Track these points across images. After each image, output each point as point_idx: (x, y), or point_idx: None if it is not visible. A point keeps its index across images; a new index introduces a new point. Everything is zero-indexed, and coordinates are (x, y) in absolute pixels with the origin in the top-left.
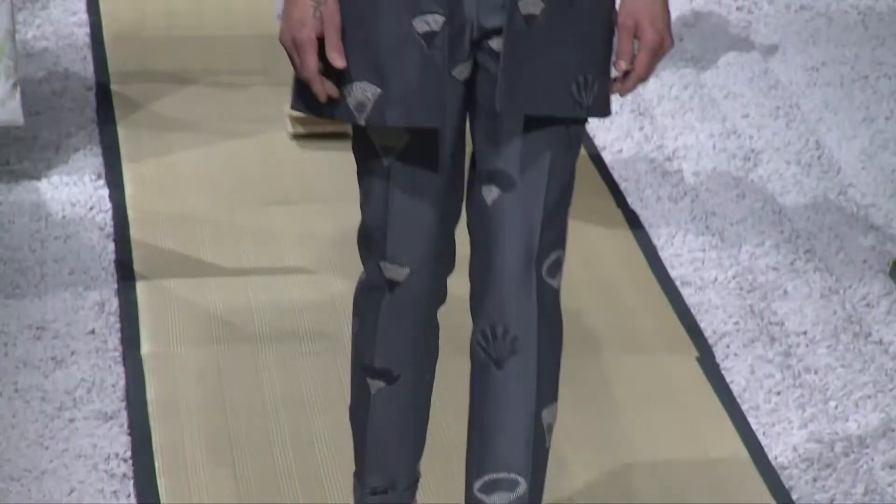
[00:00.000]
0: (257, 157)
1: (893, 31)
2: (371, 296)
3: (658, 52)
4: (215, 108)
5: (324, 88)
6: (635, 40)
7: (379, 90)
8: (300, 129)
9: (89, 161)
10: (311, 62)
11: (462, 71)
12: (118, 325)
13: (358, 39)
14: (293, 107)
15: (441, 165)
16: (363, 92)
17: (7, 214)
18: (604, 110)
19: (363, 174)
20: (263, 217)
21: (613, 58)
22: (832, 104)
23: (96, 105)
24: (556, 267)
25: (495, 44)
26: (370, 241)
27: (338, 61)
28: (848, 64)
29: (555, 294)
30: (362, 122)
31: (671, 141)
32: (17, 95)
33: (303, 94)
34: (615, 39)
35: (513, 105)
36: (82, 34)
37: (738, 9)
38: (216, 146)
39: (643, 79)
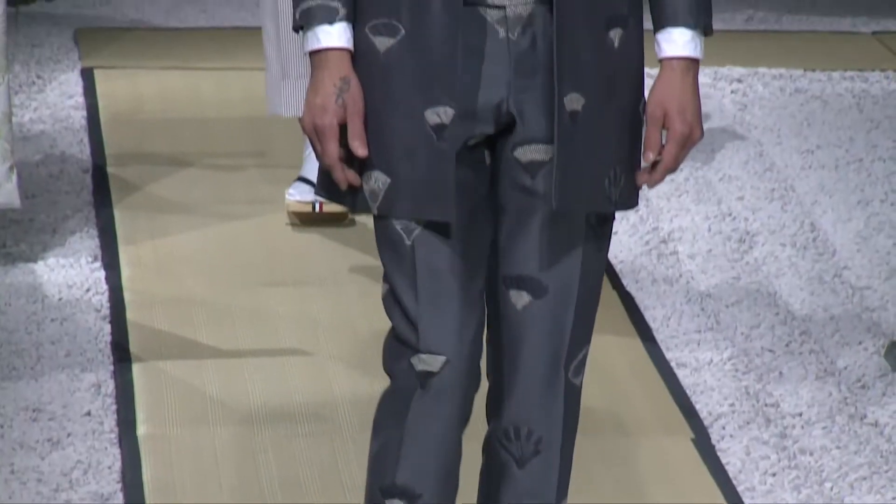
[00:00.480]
0: (253, 240)
1: (888, 115)
2: (397, 403)
3: (687, 144)
4: (211, 190)
5: (345, 176)
6: (663, 130)
7: (389, 180)
8: (296, 221)
9: (85, 243)
10: (333, 150)
11: (474, 158)
12: (114, 407)
13: (370, 128)
14: (317, 193)
15: (462, 243)
16: (376, 181)
17: (4, 297)
18: (631, 202)
19: (389, 266)
20: (260, 299)
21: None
22: (827, 187)
23: (93, 187)
24: (582, 365)
25: (519, 153)
26: (401, 340)
27: (360, 150)
28: (843, 147)
29: (578, 392)
30: (375, 211)
31: (666, 223)
32: (14, 178)
33: (325, 181)
34: (643, 130)
35: (564, 206)
36: (79, 117)
37: (732, 91)
38: (212, 228)
39: (671, 170)
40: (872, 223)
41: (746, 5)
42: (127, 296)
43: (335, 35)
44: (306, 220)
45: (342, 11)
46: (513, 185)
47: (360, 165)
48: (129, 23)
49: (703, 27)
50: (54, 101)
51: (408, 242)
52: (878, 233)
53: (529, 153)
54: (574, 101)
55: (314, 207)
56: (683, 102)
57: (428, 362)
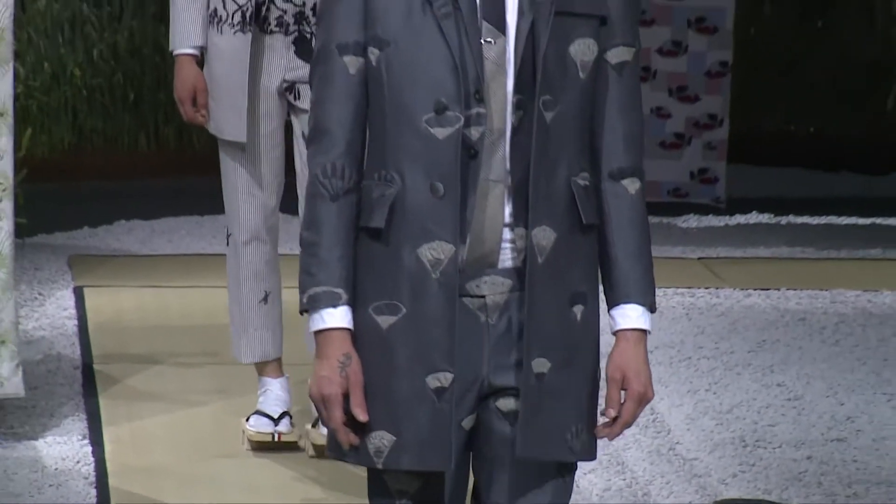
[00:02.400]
0: (210, 421)
1: (710, 322)
2: None
3: (643, 402)
4: (177, 383)
5: (348, 438)
6: (622, 391)
7: (395, 438)
8: (255, 447)
9: (76, 425)
10: (338, 416)
11: (468, 421)
12: None
13: (375, 392)
14: (329, 451)
15: (450, 483)
16: (380, 440)
17: (11, 467)
18: (591, 454)
19: None
20: (216, 468)
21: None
22: (663, 379)
23: (82, 381)
24: None
25: (501, 403)
26: None
27: (362, 416)
28: (675, 347)
29: None
30: (380, 466)
31: None
32: (20, 373)
33: (333, 441)
34: (600, 390)
35: (526, 452)
36: (71, 325)
37: None
38: (178, 413)
39: (629, 424)
40: (699, 407)
41: None
42: (109, 467)
43: (338, 317)
44: (264, 447)
45: (344, 297)
46: (490, 430)
47: (363, 427)
48: (112, 251)
49: (650, 304)
50: (52, 312)
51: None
52: (703, 415)
53: (508, 405)
54: (540, 365)
55: (273, 437)
56: (639, 367)
57: None
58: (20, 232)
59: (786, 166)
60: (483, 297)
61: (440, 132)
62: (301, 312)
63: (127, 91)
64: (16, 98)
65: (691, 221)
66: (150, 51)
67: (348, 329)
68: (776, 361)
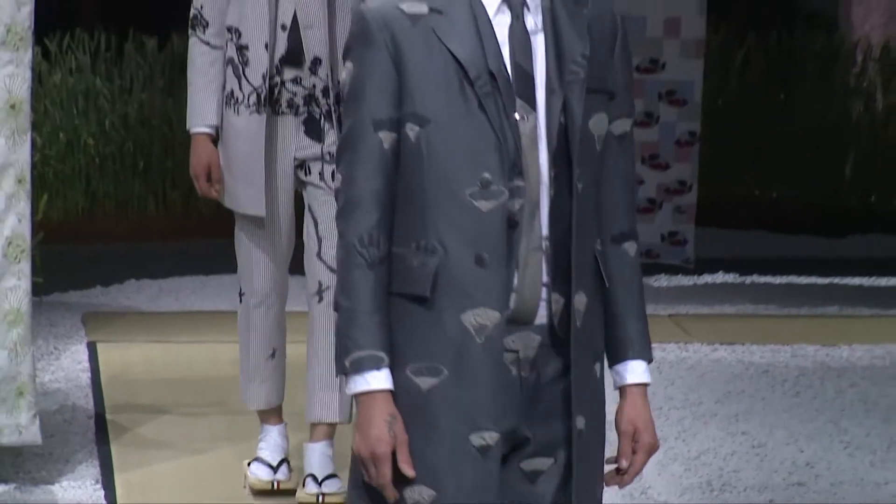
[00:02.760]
0: (213, 467)
1: (680, 375)
2: None
3: (651, 452)
4: (184, 431)
5: (393, 494)
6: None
7: (434, 493)
8: (255, 492)
9: (90, 471)
10: (387, 473)
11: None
12: None
13: (416, 448)
14: None
15: None
16: (420, 494)
17: None
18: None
19: None
20: None
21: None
22: None
23: (95, 429)
24: None
25: (525, 463)
26: None
27: (409, 472)
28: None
29: None
30: None
31: None
32: (37, 422)
33: (371, 495)
34: (617, 443)
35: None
36: (85, 378)
37: None
38: (185, 459)
39: (638, 473)
40: (669, 454)
41: None
42: None
43: (382, 379)
44: (264, 493)
45: (386, 360)
46: (512, 490)
47: (403, 480)
48: (123, 309)
49: (650, 359)
50: (67, 366)
51: None
52: (673, 461)
53: (533, 465)
54: (580, 422)
55: (272, 485)
56: (647, 419)
57: None
58: (37, 290)
59: (750, 229)
60: (516, 351)
61: (484, 205)
62: (342, 374)
63: (137, 159)
64: (33, 165)
65: (662, 281)
66: (159, 122)
67: (391, 390)
68: (741, 411)
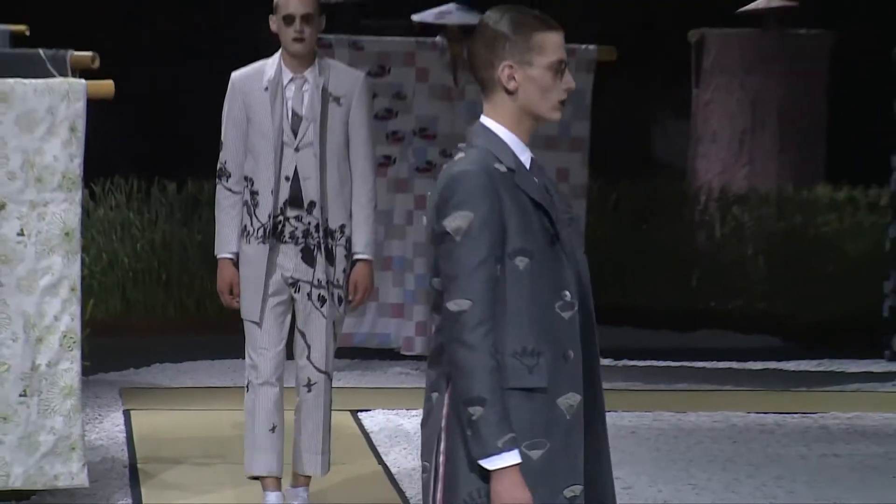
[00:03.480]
0: None
1: None
2: None
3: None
4: (198, 477)
5: None
6: None
7: None
8: None
9: None
10: None
11: None
12: None
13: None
14: None
15: None
16: None
17: None
18: None
19: None
20: None
21: None
22: None
23: (129, 476)
24: None
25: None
26: None
27: None
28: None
29: None
30: None
31: None
32: (85, 471)
33: None
34: None
35: None
36: (121, 437)
37: None
38: (197, 499)
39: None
40: None
41: None
42: None
43: (517, 455)
44: None
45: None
46: None
47: None
48: (150, 385)
49: None
50: (108, 428)
51: None
52: None
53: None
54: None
55: None
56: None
57: None
58: (85, 371)
59: (620, 326)
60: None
61: (566, 315)
62: (483, 456)
63: (160, 274)
64: (82, 278)
65: None
66: (178, 246)
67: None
68: (615, 461)
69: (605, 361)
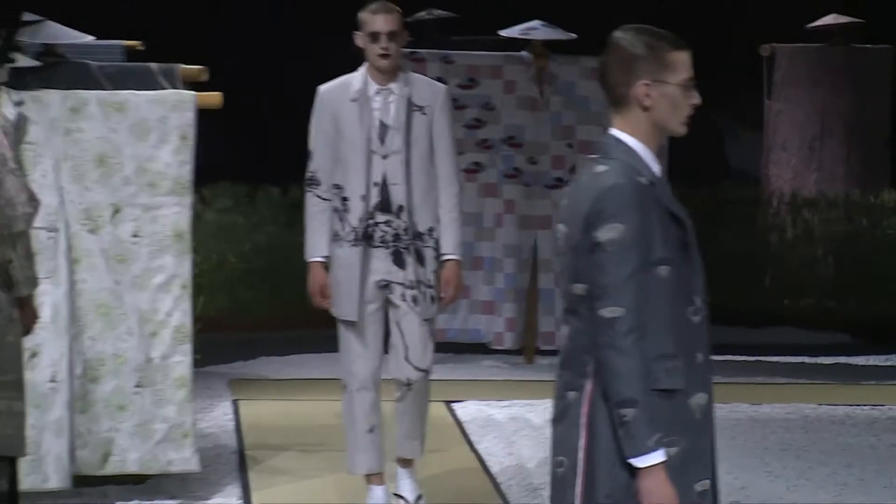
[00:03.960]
0: (322, 490)
1: None
2: None
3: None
4: (302, 463)
5: None
6: None
7: None
8: None
9: (234, 490)
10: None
11: None
12: None
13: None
14: None
15: None
16: None
17: None
18: None
19: None
20: None
21: None
22: None
23: (238, 461)
24: None
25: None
26: None
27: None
28: None
29: None
30: None
31: None
32: (196, 456)
33: None
34: None
35: None
36: (230, 425)
37: None
38: (303, 483)
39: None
40: None
41: None
42: None
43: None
44: None
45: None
46: None
47: None
48: (257, 377)
49: None
50: (218, 416)
51: None
52: None
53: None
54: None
55: None
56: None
57: None
58: (197, 364)
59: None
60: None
61: (696, 319)
62: (636, 454)
63: (266, 273)
64: (193, 276)
65: None
66: (281, 247)
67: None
68: None
69: None
